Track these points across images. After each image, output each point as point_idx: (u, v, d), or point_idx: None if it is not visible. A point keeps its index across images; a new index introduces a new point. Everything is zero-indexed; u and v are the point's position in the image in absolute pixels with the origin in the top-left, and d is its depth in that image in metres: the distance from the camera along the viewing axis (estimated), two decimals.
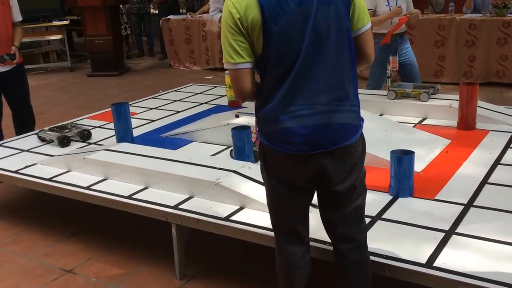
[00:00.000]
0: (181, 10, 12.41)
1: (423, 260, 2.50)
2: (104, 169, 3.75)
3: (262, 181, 3.17)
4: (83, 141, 4.55)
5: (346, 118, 2.22)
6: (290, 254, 2.46)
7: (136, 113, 5.32)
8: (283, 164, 2.28)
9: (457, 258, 2.51)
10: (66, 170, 3.93)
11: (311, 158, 2.21)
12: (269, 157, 2.31)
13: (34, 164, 4.11)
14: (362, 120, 2.33)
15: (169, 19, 10.55)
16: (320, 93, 2.17)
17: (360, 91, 5.25)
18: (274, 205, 2.45)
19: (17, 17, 5.16)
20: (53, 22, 11.29)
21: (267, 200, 2.48)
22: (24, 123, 5.26)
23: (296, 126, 2.17)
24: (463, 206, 3.00)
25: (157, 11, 12.95)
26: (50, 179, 3.80)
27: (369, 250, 2.56)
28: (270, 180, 2.38)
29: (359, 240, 2.44)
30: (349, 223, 2.39)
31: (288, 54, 2.14)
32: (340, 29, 2.17)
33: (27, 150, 4.45)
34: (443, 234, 2.72)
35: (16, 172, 3.99)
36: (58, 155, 4.18)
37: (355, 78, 2.27)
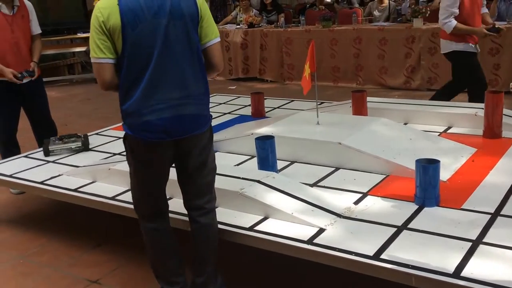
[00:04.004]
0: None
1: (450, 270, 2.46)
2: (129, 180, 3.75)
3: (286, 191, 3.19)
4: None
5: (195, 110, 2.75)
6: (154, 229, 3.02)
7: None
8: (147, 151, 2.75)
9: (484, 267, 2.47)
10: (91, 181, 3.96)
11: (169, 144, 2.72)
12: (135, 147, 2.78)
13: (59, 175, 4.15)
14: (211, 116, 2.92)
15: None
16: (172, 91, 2.67)
17: (385, 99, 5.15)
18: (141, 190, 2.95)
19: (36, 29, 5.19)
20: (78, 34, 11.40)
21: (132, 186, 2.99)
22: (46, 134, 5.24)
23: (155, 119, 2.65)
24: (490, 215, 2.95)
25: None
26: (75, 190, 3.84)
27: (395, 259, 2.56)
28: (138, 167, 2.85)
29: (207, 208, 2.97)
30: (201, 194, 2.94)
31: (142, 56, 2.59)
32: (187, 41, 2.67)
33: (52, 162, 4.49)
34: (470, 244, 2.67)
35: (41, 183, 4.03)
36: (83, 166, 4.22)
37: (204, 80, 2.79)
